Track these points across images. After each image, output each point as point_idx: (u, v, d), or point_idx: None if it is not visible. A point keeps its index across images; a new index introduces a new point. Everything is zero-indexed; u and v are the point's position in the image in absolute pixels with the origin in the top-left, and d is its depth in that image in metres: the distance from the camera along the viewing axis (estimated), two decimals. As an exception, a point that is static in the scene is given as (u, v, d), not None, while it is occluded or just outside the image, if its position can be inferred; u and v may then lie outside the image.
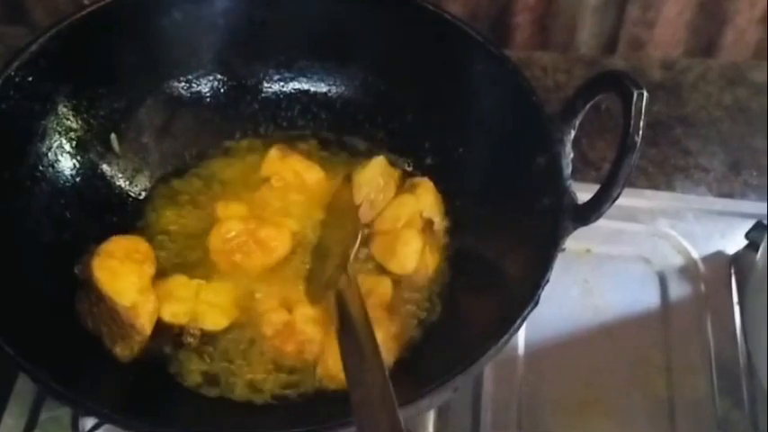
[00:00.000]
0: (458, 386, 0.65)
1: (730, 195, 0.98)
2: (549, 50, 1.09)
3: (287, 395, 0.74)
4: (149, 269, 0.77)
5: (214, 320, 0.77)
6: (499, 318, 0.67)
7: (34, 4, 1.07)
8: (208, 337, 0.76)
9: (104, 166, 0.83)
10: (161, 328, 0.76)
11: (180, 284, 0.77)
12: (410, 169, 0.86)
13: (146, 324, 0.75)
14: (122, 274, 0.75)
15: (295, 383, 0.74)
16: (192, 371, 0.75)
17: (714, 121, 1.04)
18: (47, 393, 0.76)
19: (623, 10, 1.04)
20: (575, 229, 0.70)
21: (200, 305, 0.77)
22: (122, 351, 0.74)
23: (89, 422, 0.78)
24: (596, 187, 0.70)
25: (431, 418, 0.79)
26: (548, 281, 0.67)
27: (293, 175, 0.83)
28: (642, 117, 0.66)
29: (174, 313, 0.76)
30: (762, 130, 1.02)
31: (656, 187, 0.98)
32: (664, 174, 0.99)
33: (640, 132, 0.66)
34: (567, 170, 0.72)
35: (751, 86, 1.06)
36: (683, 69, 1.08)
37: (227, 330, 0.77)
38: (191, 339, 0.76)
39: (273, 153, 0.84)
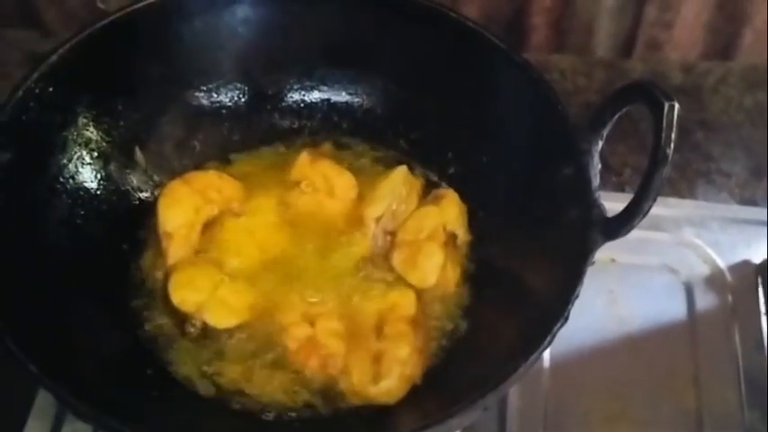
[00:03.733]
0: (488, 405, 0.65)
1: (753, 200, 0.97)
2: (565, 52, 1.08)
3: (306, 410, 0.73)
4: (210, 210, 0.80)
5: (221, 317, 0.76)
6: (528, 334, 0.66)
7: (47, 6, 1.06)
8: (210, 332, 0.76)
9: (126, 178, 0.82)
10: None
11: (204, 274, 0.77)
12: (434, 179, 0.85)
13: (176, 252, 0.78)
14: (181, 200, 0.79)
15: (316, 398, 0.73)
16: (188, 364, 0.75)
17: (735, 124, 1.03)
18: (69, 411, 0.75)
19: (641, 11, 1.03)
20: (604, 242, 0.69)
21: (213, 299, 0.76)
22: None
23: (111, 437, 0.78)
24: (618, 195, 0.69)
25: (457, 432, 0.78)
26: (577, 296, 0.66)
27: (323, 180, 0.82)
28: (674, 129, 0.65)
29: (183, 300, 0.76)
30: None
31: (677, 193, 0.97)
32: (685, 179, 0.98)
33: (672, 145, 0.65)
34: (596, 181, 0.71)
35: (772, 89, 1.05)
36: (703, 72, 1.07)
37: (235, 330, 0.76)
38: (192, 329, 0.76)
39: (304, 157, 0.83)
